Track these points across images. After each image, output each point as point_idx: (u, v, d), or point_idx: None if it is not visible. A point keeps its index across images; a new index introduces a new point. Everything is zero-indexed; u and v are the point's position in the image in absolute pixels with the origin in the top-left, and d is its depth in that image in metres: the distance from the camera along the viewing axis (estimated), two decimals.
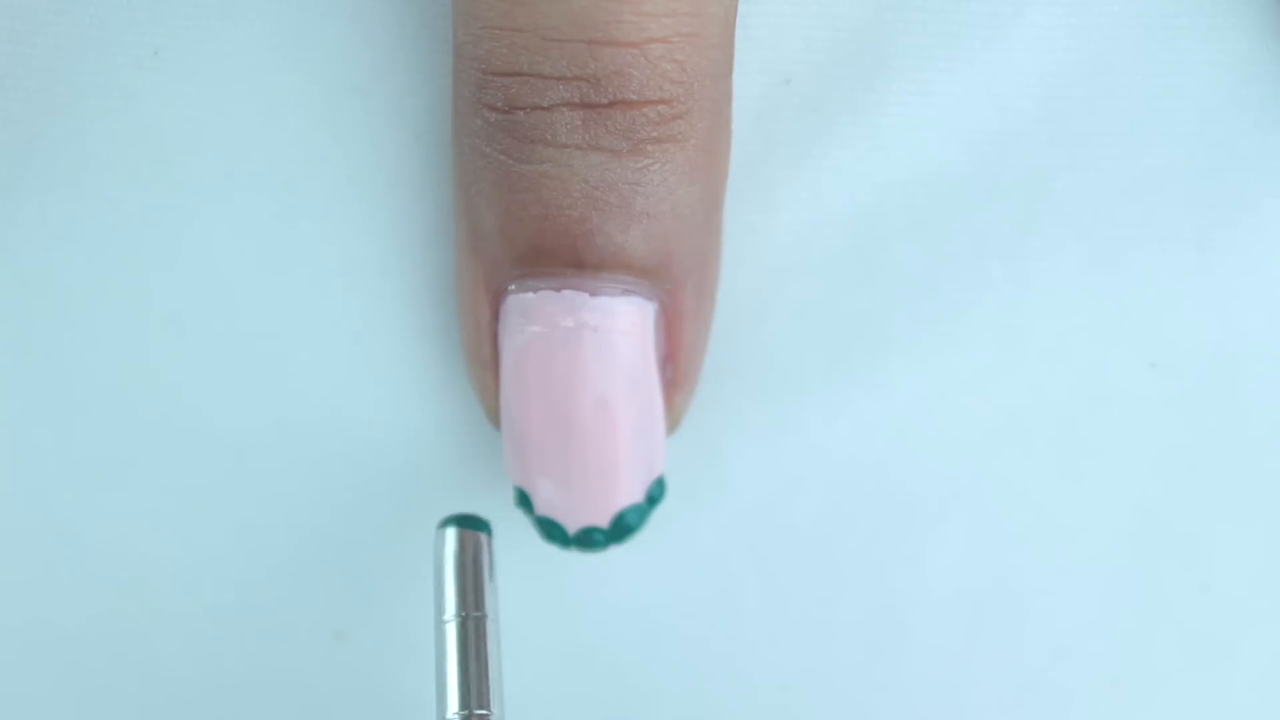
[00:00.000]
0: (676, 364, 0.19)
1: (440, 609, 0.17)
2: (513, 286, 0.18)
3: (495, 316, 0.18)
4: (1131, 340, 0.20)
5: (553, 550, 0.20)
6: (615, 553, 0.20)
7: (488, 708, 0.16)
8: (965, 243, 0.20)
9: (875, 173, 0.20)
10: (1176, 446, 0.20)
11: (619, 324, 0.18)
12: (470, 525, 0.18)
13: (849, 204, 0.20)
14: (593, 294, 0.18)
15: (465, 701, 0.16)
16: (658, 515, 0.20)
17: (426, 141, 0.20)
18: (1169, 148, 0.20)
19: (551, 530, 0.19)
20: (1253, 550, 0.20)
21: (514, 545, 0.21)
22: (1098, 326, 0.20)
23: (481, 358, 0.19)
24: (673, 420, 0.19)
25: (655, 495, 0.19)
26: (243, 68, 0.20)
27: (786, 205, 0.20)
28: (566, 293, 0.18)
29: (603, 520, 0.19)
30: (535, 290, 0.18)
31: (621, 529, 0.20)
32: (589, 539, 0.20)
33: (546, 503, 0.19)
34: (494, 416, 0.19)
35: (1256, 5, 0.19)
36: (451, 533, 0.18)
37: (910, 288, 0.20)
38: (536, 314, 0.18)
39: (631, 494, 0.19)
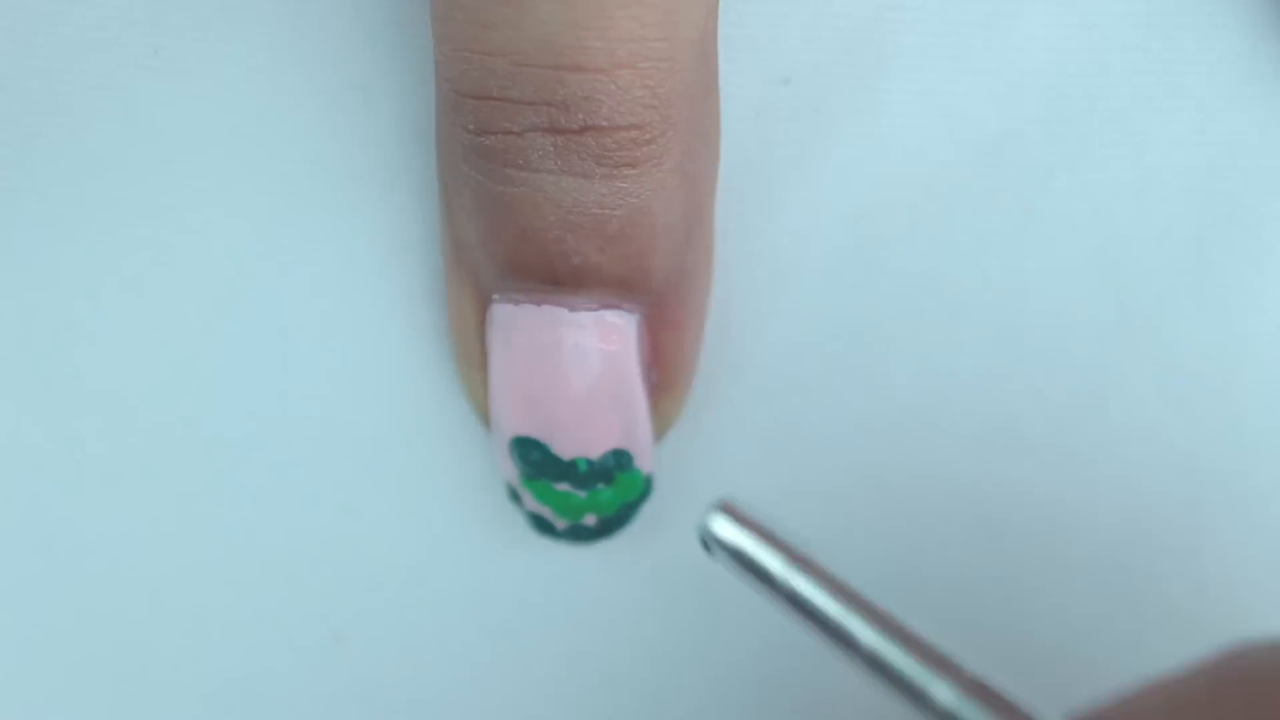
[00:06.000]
0: (662, 369, 0.19)
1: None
2: (496, 296, 0.18)
3: (483, 320, 0.19)
4: (1131, 340, 0.20)
5: (552, 550, 0.20)
6: (614, 552, 0.20)
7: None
8: (965, 243, 0.20)
9: (875, 173, 0.20)
10: (1176, 446, 0.20)
11: (598, 338, 0.18)
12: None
13: (849, 204, 0.20)
14: (571, 309, 0.18)
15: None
16: (657, 515, 0.20)
17: (426, 141, 0.20)
18: (1169, 148, 0.20)
19: (542, 525, 0.20)
20: (1251, 551, 0.20)
21: (513, 545, 0.21)
22: (1098, 326, 0.20)
23: (471, 359, 0.19)
24: (662, 425, 0.19)
25: (643, 493, 0.19)
26: (242, 68, 0.20)
27: (786, 205, 0.20)
28: (546, 307, 0.18)
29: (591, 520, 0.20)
30: (517, 302, 0.18)
31: (610, 523, 0.20)
32: (578, 533, 0.20)
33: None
34: (485, 416, 0.19)
35: (1256, 5, 0.19)
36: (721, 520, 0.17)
37: (910, 288, 0.20)
38: (518, 325, 0.18)
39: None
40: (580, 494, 0.19)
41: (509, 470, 0.19)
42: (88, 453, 0.21)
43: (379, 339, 0.20)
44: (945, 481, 0.20)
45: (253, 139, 0.20)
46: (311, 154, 0.20)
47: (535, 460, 0.19)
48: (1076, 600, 0.20)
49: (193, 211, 0.20)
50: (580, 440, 0.18)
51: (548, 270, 0.17)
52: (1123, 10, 0.19)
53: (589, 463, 0.19)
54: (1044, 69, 0.20)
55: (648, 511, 0.20)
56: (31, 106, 0.20)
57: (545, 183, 0.17)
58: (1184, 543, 0.20)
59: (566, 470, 0.19)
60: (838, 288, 0.20)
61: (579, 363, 0.18)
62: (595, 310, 0.18)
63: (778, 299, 0.20)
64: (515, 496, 0.20)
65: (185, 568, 0.21)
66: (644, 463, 0.19)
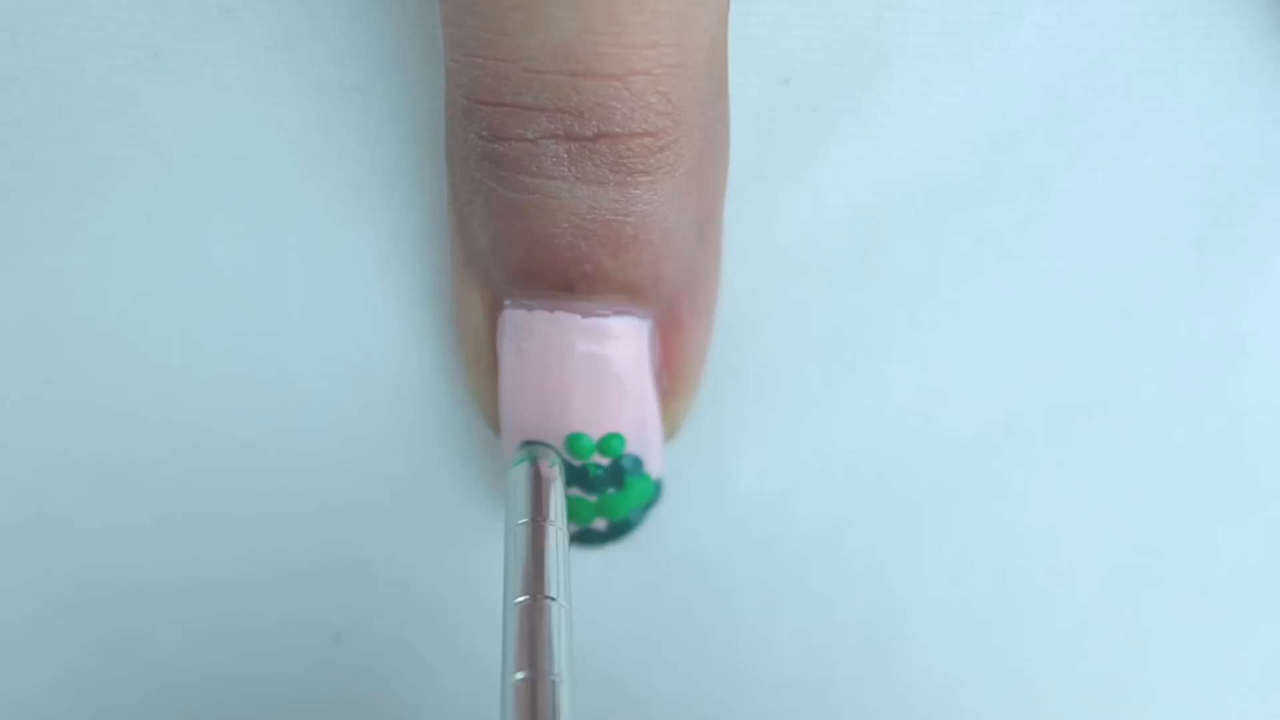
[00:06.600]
0: (673, 373, 0.19)
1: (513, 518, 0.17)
2: (508, 302, 0.18)
3: (493, 326, 0.19)
4: (1131, 340, 0.20)
5: None
6: (615, 553, 0.20)
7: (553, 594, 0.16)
8: (965, 243, 0.20)
9: (875, 173, 0.20)
10: (1176, 446, 0.20)
11: (610, 345, 0.18)
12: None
13: (849, 204, 0.20)
14: (584, 315, 0.18)
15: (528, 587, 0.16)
16: (658, 515, 0.20)
17: (425, 142, 0.20)
18: (1169, 148, 0.20)
19: None
20: (1251, 551, 0.20)
21: None
22: (1098, 326, 0.20)
23: (481, 365, 0.19)
24: (671, 426, 0.19)
25: (652, 497, 0.20)
26: (242, 69, 0.20)
27: (786, 205, 0.20)
28: (558, 314, 0.18)
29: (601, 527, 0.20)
30: (529, 309, 0.18)
31: (620, 527, 0.20)
32: (587, 536, 0.20)
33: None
34: (493, 421, 0.19)
35: (1256, 5, 0.19)
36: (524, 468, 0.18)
37: (910, 288, 0.20)
38: (530, 332, 0.18)
39: None
40: (590, 498, 0.19)
41: None
42: (88, 453, 0.21)
43: (379, 339, 0.20)
44: (945, 481, 0.20)
45: (253, 139, 0.20)
46: (311, 154, 0.20)
47: None
48: (1076, 600, 0.20)
49: (192, 212, 0.20)
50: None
51: (560, 277, 0.17)
52: (1123, 10, 0.19)
53: (600, 467, 0.19)
54: (1044, 69, 0.20)
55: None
56: (31, 106, 0.20)
57: (559, 189, 0.17)
58: (1184, 543, 0.20)
59: (577, 475, 0.19)
60: (838, 288, 0.20)
61: (591, 369, 0.18)
62: (607, 317, 0.18)
63: (778, 299, 0.20)
64: None
65: (185, 568, 0.21)
66: (654, 467, 0.19)
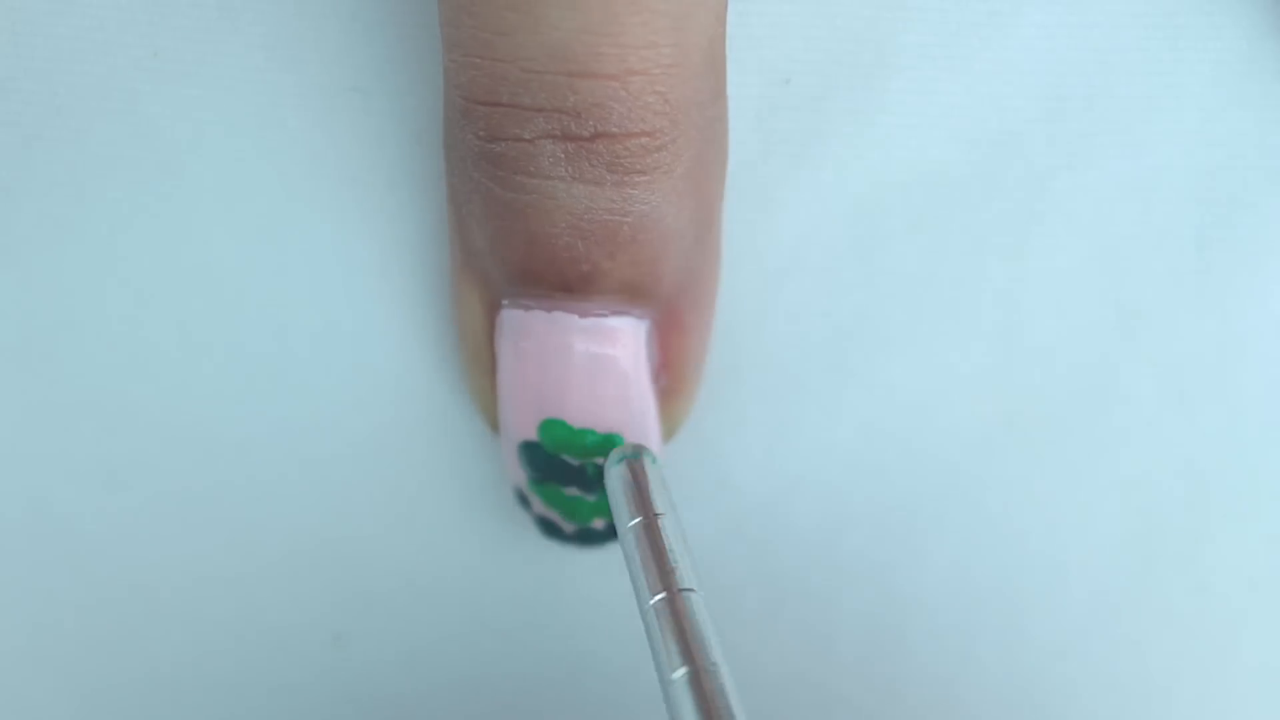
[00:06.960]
0: (672, 373, 0.19)
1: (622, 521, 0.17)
2: (506, 302, 0.18)
3: (492, 326, 0.19)
4: (1131, 340, 0.20)
5: (553, 550, 0.20)
6: (616, 553, 0.20)
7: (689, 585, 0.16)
8: (965, 243, 0.20)
9: (875, 173, 0.20)
10: (1176, 446, 0.20)
11: (608, 344, 0.18)
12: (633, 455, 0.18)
13: (849, 204, 0.20)
14: (582, 315, 0.18)
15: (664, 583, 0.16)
16: None
17: (425, 142, 0.20)
18: (1169, 148, 0.20)
19: (550, 528, 0.20)
20: (1251, 551, 0.20)
21: (514, 545, 0.21)
22: (1098, 326, 0.20)
23: (480, 364, 0.19)
24: (670, 427, 0.19)
25: None
26: (242, 69, 0.20)
27: (786, 205, 0.20)
28: (556, 314, 0.18)
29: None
30: (527, 308, 0.18)
31: None
32: (586, 536, 0.20)
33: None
34: (493, 421, 0.19)
35: (1256, 5, 0.19)
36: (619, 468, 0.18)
37: (910, 288, 0.20)
38: (528, 331, 0.18)
39: None
40: (589, 498, 0.19)
41: (518, 475, 0.19)
42: (88, 452, 0.21)
43: (379, 339, 0.20)
44: (945, 481, 0.20)
45: (253, 139, 0.20)
46: (311, 154, 0.20)
47: (544, 465, 0.19)
48: (1076, 600, 0.20)
49: (192, 212, 0.20)
50: None
51: (558, 277, 0.17)
52: (1123, 10, 0.19)
53: (598, 467, 0.19)
54: (1044, 69, 0.20)
55: None
56: (31, 107, 0.20)
57: (556, 189, 0.17)
58: (1183, 543, 0.20)
59: (576, 474, 0.19)
60: (838, 287, 0.20)
61: (589, 369, 0.18)
62: (605, 316, 0.18)
63: (778, 299, 0.20)
64: (524, 500, 0.20)
65: (185, 568, 0.21)
66: None
